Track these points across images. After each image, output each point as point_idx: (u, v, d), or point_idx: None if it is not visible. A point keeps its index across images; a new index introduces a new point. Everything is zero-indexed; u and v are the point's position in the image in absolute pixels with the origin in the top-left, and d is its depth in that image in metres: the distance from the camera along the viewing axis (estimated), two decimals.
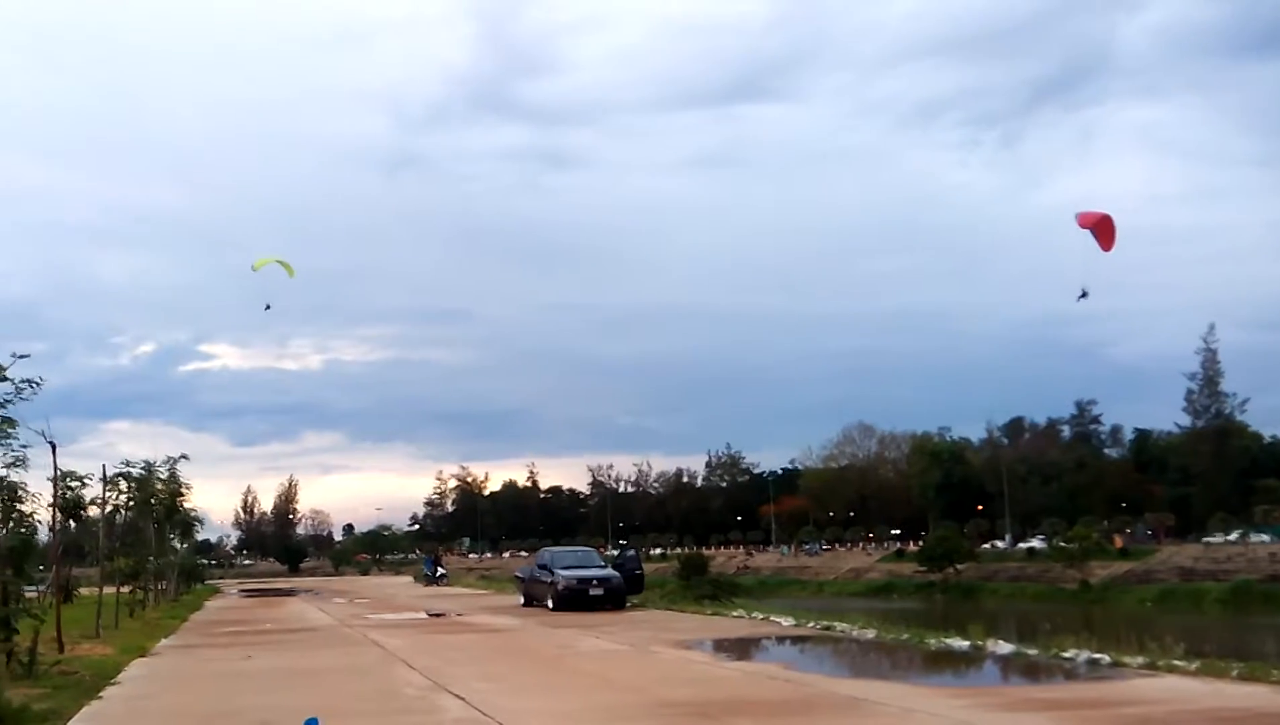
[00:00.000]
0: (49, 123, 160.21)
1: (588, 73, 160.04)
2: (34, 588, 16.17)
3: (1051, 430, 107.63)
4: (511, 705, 9.60)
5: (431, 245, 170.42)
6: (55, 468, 14.28)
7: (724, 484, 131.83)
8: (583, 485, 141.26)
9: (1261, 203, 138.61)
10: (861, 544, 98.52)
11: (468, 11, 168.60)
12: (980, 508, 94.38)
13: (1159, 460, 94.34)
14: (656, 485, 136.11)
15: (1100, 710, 9.17)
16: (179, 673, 13.59)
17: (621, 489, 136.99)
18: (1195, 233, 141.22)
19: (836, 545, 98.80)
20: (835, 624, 17.48)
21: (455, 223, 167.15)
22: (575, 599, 22.85)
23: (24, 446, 11.95)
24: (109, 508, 20.37)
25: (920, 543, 78.56)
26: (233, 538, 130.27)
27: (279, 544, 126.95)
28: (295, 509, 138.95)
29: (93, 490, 18.62)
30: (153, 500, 24.36)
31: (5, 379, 11.43)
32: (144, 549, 25.03)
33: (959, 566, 66.74)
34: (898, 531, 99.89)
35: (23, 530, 12.35)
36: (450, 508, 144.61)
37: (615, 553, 38.46)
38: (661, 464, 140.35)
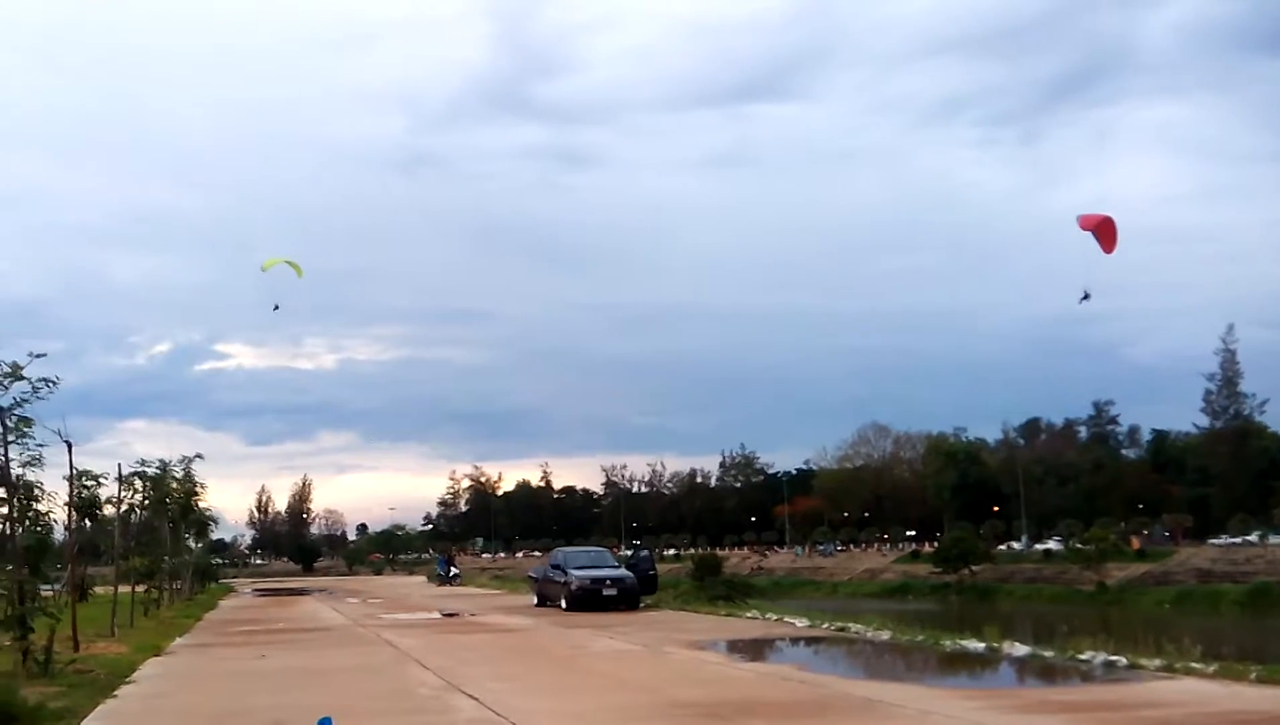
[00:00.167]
0: (71, 124, 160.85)
1: (602, 72, 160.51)
2: (50, 586, 16.22)
3: (1069, 431, 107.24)
4: (525, 705, 9.58)
5: (446, 244, 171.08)
6: (71, 467, 14.33)
7: (738, 484, 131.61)
8: (596, 485, 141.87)
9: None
10: (876, 545, 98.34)
11: (484, 11, 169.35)
12: (996, 509, 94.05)
13: (1177, 461, 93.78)
14: (670, 485, 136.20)
15: (1117, 713, 9.09)
16: (193, 671, 13.61)
17: (635, 489, 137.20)
18: (1212, 231, 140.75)
19: (851, 546, 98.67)
20: (850, 625, 17.38)
21: (470, 222, 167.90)
22: (589, 599, 22.81)
23: (40, 445, 11.97)
24: (124, 507, 20.42)
25: (935, 544, 78.28)
26: (247, 537, 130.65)
27: (293, 543, 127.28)
28: (309, 508, 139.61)
29: (108, 489, 18.80)
30: (168, 499, 24.41)
31: (22, 378, 11.50)
32: (159, 548, 25.08)
33: (974, 568, 66.44)
34: (913, 532, 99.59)
35: (39, 529, 12.36)
36: (464, 507, 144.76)
37: (629, 553, 38.45)
38: (675, 464, 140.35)
